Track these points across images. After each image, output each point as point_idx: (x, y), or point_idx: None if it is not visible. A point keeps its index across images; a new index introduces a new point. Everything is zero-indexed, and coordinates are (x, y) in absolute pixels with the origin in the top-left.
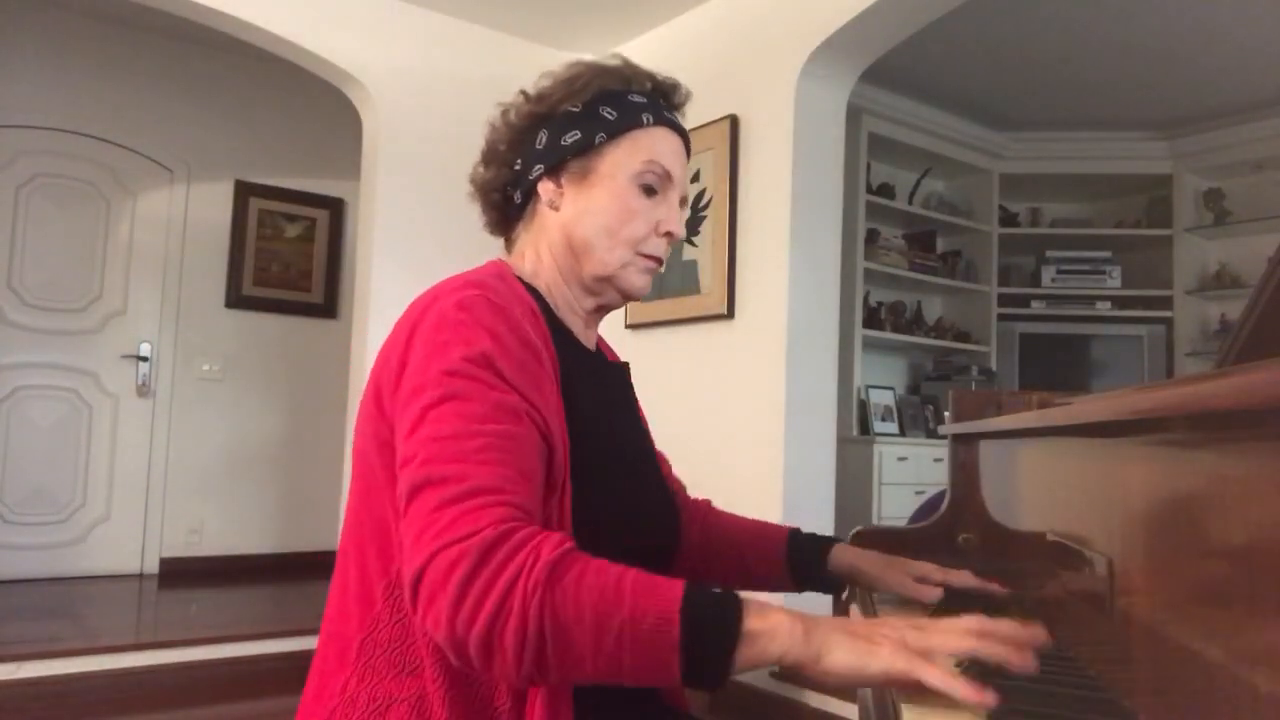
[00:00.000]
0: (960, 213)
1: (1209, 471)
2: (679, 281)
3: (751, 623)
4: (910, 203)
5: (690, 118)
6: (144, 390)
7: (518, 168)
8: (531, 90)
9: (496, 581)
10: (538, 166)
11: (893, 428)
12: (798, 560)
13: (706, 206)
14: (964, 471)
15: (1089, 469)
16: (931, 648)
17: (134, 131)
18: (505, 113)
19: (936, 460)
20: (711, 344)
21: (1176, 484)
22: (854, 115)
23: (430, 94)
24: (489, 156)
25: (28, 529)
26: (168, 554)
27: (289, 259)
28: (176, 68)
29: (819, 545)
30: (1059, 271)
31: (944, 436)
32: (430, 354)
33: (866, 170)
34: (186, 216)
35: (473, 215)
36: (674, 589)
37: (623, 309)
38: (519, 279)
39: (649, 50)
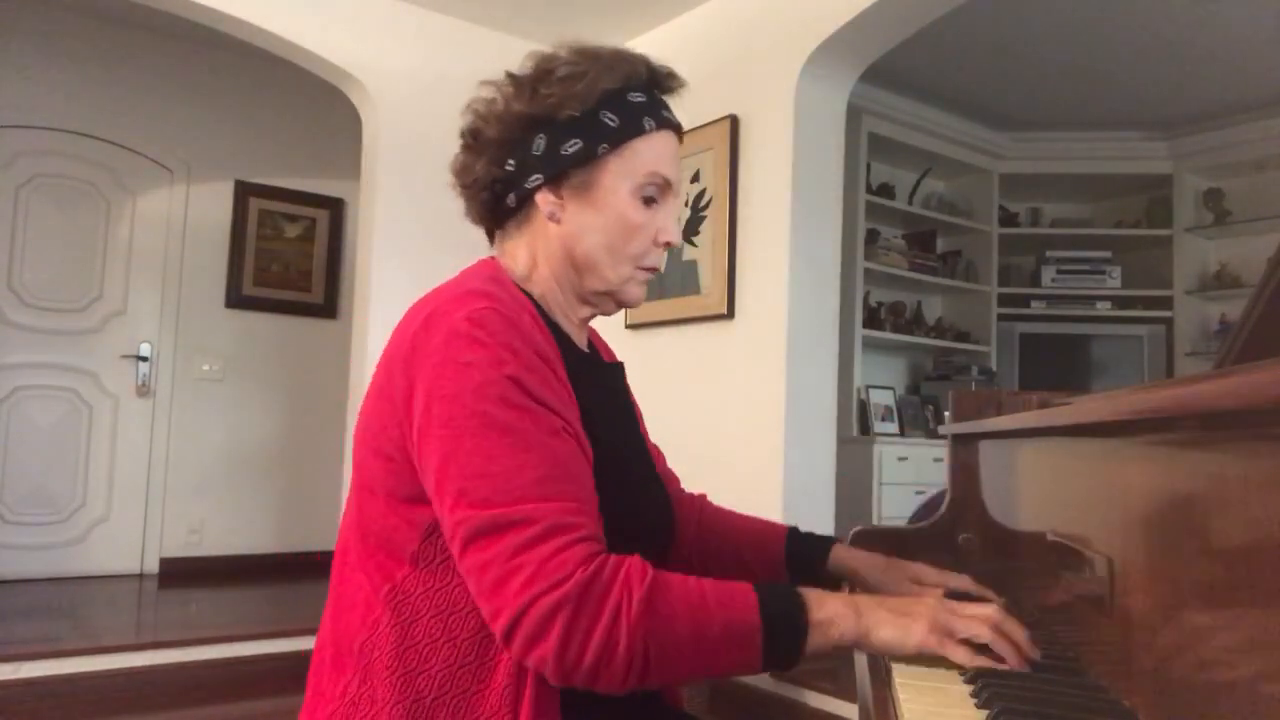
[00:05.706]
0: (960, 213)
1: (1209, 471)
2: (679, 281)
3: (815, 614)
4: (910, 203)
5: (690, 118)
6: (144, 390)
7: (510, 168)
8: (522, 76)
9: (599, 620)
10: (535, 176)
11: (893, 428)
12: (797, 562)
13: (706, 206)
14: (964, 471)
15: (1089, 469)
16: (956, 630)
17: (134, 131)
18: (492, 101)
19: (936, 460)
20: (711, 344)
21: (1176, 484)
22: (854, 115)
23: (430, 94)
24: (475, 144)
25: (28, 529)
26: (168, 554)
27: (289, 259)
28: (176, 68)
29: (818, 546)
30: (1059, 271)
31: (944, 436)
32: (455, 376)
33: (866, 170)
34: (186, 216)
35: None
36: (749, 595)
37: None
38: (513, 283)
39: (649, 50)
